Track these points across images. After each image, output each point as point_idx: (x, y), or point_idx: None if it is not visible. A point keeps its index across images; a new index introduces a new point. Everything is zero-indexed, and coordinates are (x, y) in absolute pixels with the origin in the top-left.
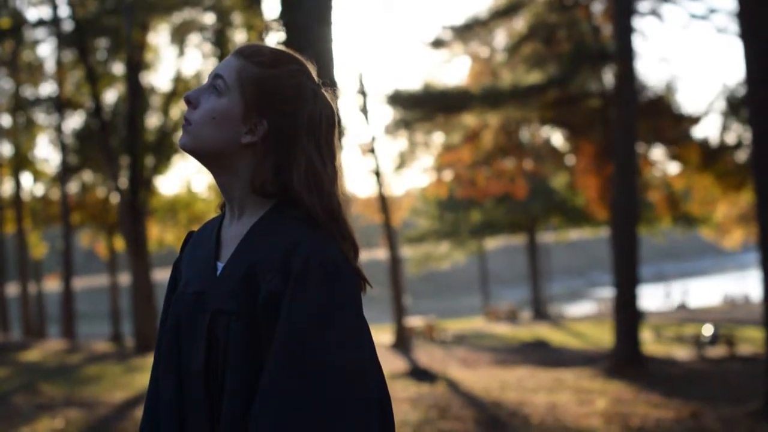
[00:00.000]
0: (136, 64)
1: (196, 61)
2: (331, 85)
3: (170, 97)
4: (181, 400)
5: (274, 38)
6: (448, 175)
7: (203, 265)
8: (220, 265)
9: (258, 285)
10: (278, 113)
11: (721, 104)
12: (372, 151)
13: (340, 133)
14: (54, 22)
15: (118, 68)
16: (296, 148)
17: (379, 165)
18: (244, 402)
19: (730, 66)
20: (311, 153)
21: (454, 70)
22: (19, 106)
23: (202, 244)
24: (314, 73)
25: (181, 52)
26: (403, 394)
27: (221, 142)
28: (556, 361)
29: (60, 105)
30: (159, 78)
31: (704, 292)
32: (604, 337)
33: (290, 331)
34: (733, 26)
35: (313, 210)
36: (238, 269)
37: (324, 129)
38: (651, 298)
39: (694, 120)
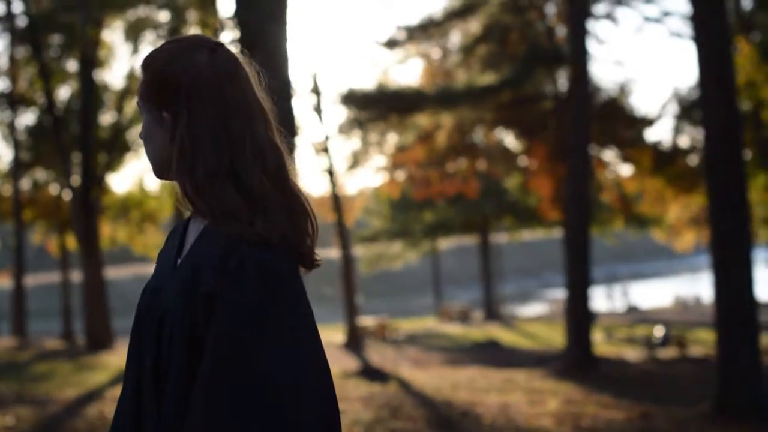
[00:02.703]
0: (90, 61)
1: None
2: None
3: (124, 95)
4: (140, 395)
5: (229, 36)
6: (401, 175)
7: (166, 261)
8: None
9: (199, 285)
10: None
11: (674, 107)
12: (325, 150)
13: (295, 129)
14: (8, 18)
15: (72, 65)
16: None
17: (332, 164)
18: (182, 401)
19: (684, 69)
20: (177, 124)
21: (409, 71)
22: None
23: (174, 238)
24: (197, 41)
25: (136, 50)
26: (354, 394)
27: None
28: (507, 362)
29: (13, 101)
30: (113, 75)
31: (656, 293)
32: (555, 337)
33: (222, 334)
34: (687, 29)
35: (182, 188)
36: (186, 269)
37: (192, 93)
38: (603, 299)
39: (648, 122)
